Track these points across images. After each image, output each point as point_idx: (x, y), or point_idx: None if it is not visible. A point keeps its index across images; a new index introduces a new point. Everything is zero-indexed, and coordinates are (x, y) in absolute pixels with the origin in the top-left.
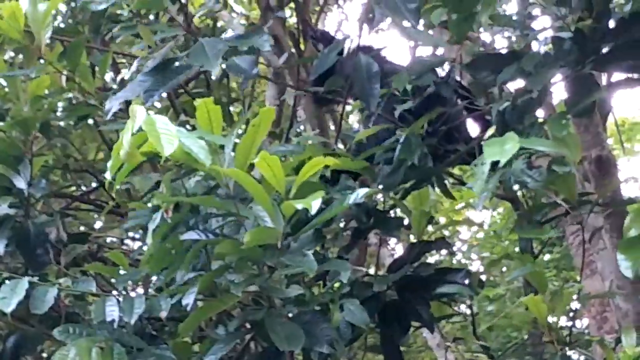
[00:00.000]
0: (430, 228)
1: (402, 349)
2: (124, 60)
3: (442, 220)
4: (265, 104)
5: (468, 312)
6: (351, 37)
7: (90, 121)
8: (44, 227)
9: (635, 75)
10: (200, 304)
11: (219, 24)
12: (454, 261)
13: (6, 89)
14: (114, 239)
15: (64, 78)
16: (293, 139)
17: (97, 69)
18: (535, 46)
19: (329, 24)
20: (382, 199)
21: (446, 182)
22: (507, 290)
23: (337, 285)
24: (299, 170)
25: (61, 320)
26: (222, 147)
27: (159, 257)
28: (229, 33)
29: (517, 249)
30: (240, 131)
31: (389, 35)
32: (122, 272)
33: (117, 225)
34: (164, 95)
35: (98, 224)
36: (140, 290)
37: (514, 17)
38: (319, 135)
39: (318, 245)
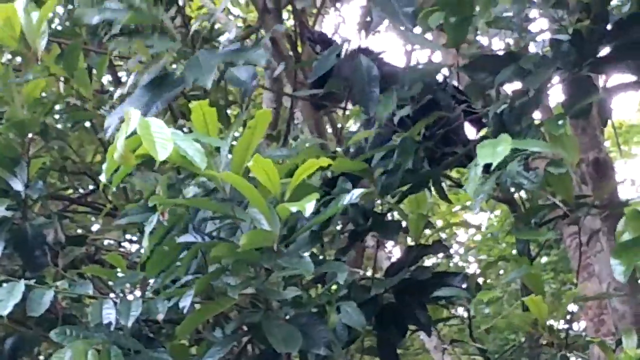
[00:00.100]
0: (427, 231)
1: (399, 351)
2: (121, 63)
3: (439, 223)
4: (263, 106)
5: (465, 314)
6: (349, 39)
7: (88, 124)
8: (42, 229)
9: (634, 78)
10: (197, 306)
11: (216, 27)
12: (451, 264)
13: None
14: (112, 242)
15: (61, 83)
16: (291, 142)
17: (94, 71)
18: (532, 48)
19: (326, 26)
20: (379, 202)
21: (443, 185)
22: (504, 293)
23: (334, 287)
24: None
25: (58, 322)
26: (218, 149)
27: (156, 260)
28: (226, 36)
29: (514, 252)
30: (237, 133)
31: (386, 38)
32: (119, 274)
33: (114, 228)
34: None
35: (95, 227)
36: (138, 292)
37: (511, 19)
38: (316, 138)
39: (315, 247)
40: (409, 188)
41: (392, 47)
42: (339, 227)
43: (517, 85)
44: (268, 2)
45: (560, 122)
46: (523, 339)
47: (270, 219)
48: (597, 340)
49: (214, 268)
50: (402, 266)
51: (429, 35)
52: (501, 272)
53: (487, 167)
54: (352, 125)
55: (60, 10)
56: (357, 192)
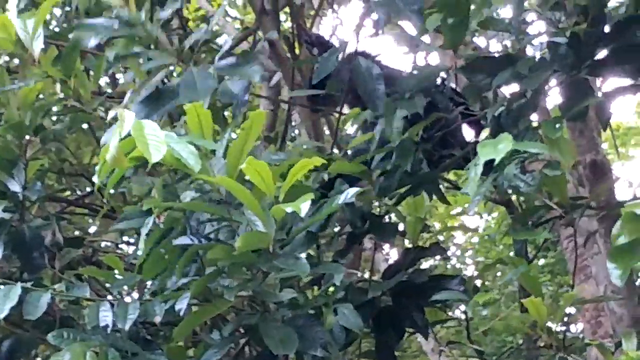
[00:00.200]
0: (425, 233)
1: (396, 354)
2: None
3: (437, 225)
4: (260, 107)
5: (463, 317)
6: (347, 41)
7: (85, 125)
8: (39, 230)
9: (630, 81)
10: (195, 308)
11: (213, 29)
12: (448, 266)
13: None
14: (109, 243)
15: (58, 85)
16: (289, 144)
17: (91, 72)
18: (530, 51)
19: (324, 28)
20: (377, 204)
21: (441, 187)
22: (501, 295)
23: (331, 289)
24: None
25: (55, 324)
26: (213, 151)
27: (153, 262)
28: (224, 37)
29: (512, 254)
30: (235, 135)
31: (383, 41)
32: (117, 276)
33: (112, 230)
34: None
35: (93, 229)
36: (136, 294)
37: (509, 22)
38: (314, 140)
39: (311, 249)
40: (407, 190)
41: (388, 50)
42: (336, 230)
43: (514, 87)
44: (266, 3)
45: (557, 125)
46: (521, 341)
47: (265, 220)
48: (595, 343)
49: (211, 270)
50: (400, 269)
51: (426, 37)
52: (498, 274)
53: (485, 168)
54: (350, 128)
55: (57, 12)
56: (351, 191)
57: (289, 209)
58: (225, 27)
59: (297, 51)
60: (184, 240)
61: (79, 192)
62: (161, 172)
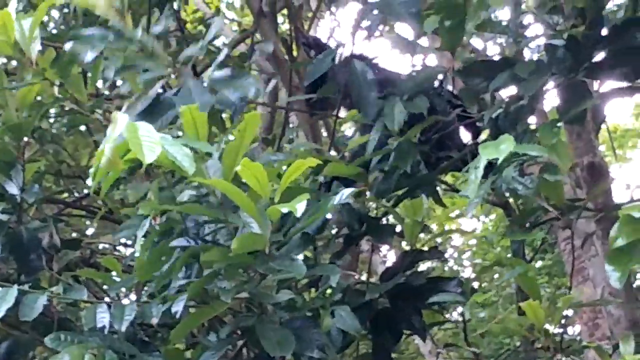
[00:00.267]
0: (422, 235)
1: (393, 356)
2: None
3: (435, 227)
4: (257, 108)
5: (460, 319)
6: (344, 44)
7: (83, 127)
8: (37, 232)
9: (628, 83)
10: (192, 310)
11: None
12: (446, 267)
13: None
14: (107, 245)
15: (55, 88)
16: (286, 146)
17: (89, 74)
18: (527, 53)
19: (322, 30)
20: (374, 206)
21: (438, 189)
22: (499, 297)
23: (329, 291)
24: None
25: (53, 326)
26: (209, 154)
27: (149, 264)
28: (221, 40)
29: (509, 255)
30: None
31: (380, 44)
32: (115, 278)
33: (109, 232)
34: None
35: (90, 230)
36: (134, 296)
37: (507, 24)
38: (311, 142)
39: (307, 250)
40: (405, 192)
41: (386, 52)
42: (333, 232)
43: (511, 89)
44: (263, 6)
45: (554, 130)
46: (518, 343)
47: (261, 222)
48: (593, 345)
49: (208, 272)
50: (397, 271)
51: (424, 39)
52: (496, 276)
53: (484, 171)
54: (347, 130)
55: (55, 14)
56: (346, 191)
57: (284, 209)
58: (223, 30)
59: (294, 53)
60: (181, 242)
61: (76, 194)
62: (158, 174)
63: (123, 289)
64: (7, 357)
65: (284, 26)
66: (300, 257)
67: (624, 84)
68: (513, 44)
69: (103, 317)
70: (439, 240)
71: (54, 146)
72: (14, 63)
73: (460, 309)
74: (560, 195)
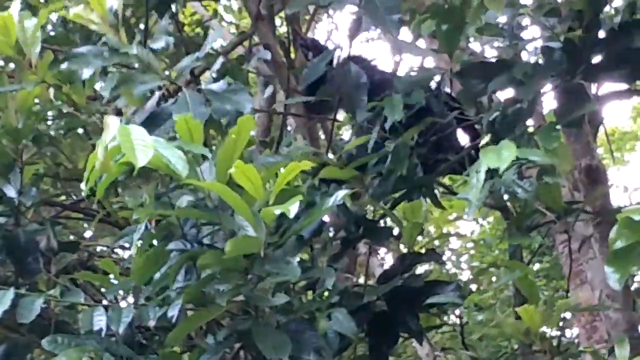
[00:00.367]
0: (420, 237)
1: (391, 359)
2: (114, 69)
3: (432, 229)
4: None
5: (457, 322)
6: (341, 46)
7: (81, 130)
8: (35, 235)
9: (625, 86)
10: (190, 313)
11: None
12: (444, 270)
13: None
14: (104, 248)
15: (52, 90)
16: (284, 149)
17: None
18: (524, 56)
19: (319, 33)
20: (372, 209)
21: (436, 191)
22: (497, 300)
23: (326, 294)
24: None
25: (51, 328)
26: (205, 157)
27: (146, 268)
28: (219, 42)
29: (507, 258)
30: None
31: (379, 46)
32: (112, 280)
33: (107, 234)
34: None
35: (88, 233)
36: (131, 299)
37: (503, 27)
38: (309, 145)
39: (302, 252)
40: (402, 195)
41: (385, 54)
42: (331, 234)
43: (509, 91)
44: (261, 8)
45: (553, 134)
46: (516, 346)
47: (255, 225)
48: (589, 350)
49: (205, 275)
50: (395, 274)
51: (422, 40)
52: (493, 279)
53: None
54: (345, 133)
55: (53, 16)
56: (341, 193)
57: (277, 210)
58: (220, 36)
59: (292, 56)
60: (177, 245)
61: (74, 197)
62: (155, 178)
63: (121, 292)
64: None
65: (282, 29)
66: (297, 259)
67: (622, 87)
68: (510, 47)
69: (100, 320)
70: (436, 242)
71: (51, 149)
72: (11, 65)
73: (457, 312)
74: (557, 198)
